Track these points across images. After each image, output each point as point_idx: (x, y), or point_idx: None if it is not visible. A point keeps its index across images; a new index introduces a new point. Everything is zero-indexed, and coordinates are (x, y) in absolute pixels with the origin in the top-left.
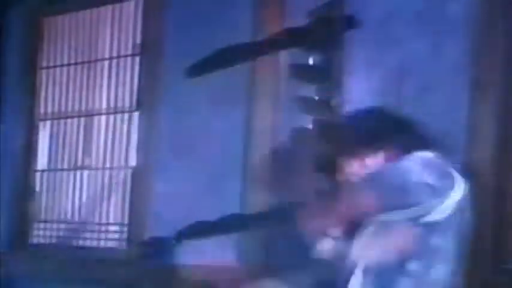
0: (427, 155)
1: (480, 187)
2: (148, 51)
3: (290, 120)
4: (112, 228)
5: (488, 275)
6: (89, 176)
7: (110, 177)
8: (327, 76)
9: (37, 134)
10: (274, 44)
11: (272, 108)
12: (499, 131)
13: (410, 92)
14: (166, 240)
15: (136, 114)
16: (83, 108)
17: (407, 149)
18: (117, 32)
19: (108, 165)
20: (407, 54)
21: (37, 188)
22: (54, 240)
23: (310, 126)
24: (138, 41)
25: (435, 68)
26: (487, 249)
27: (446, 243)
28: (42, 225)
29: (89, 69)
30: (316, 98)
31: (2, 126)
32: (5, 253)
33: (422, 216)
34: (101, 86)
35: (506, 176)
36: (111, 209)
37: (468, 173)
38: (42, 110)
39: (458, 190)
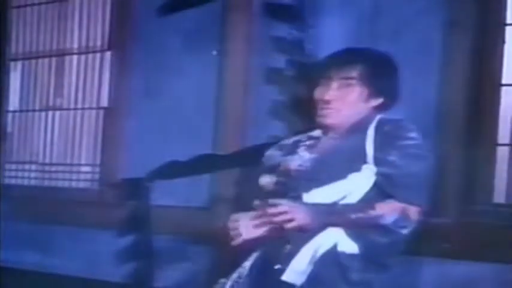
0: None
1: (452, 127)
2: None
3: (263, 60)
4: (84, 169)
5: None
6: (60, 116)
7: (82, 117)
8: (300, 15)
9: (8, 74)
10: None
11: (245, 48)
12: (471, 71)
13: (383, 32)
14: (139, 181)
15: (108, 54)
16: (55, 47)
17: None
18: None
19: (80, 105)
20: None
21: (9, 129)
22: (25, 181)
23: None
24: None
25: (408, 8)
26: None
27: None
28: (13, 166)
29: (60, 8)
30: (289, 37)
31: None
32: None
33: None
34: (72, 25)
35: (478, 116)
36: (83, 149)
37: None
38: (13, 50)
39: None
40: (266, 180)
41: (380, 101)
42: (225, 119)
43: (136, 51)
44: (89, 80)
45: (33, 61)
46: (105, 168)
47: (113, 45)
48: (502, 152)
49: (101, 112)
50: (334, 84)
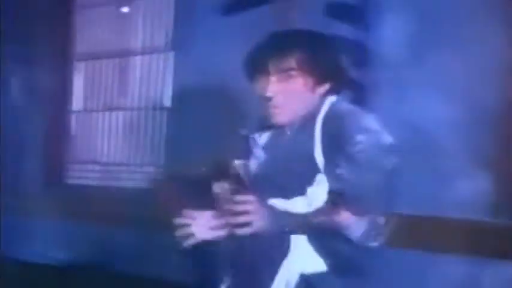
0: None
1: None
2: None
3: None
4: (147, 169)
5: None
6: (124, 116)
7: (145, 117)
8: (362, 15)
9: (72, 74)
10: None
11: None
12: None
13: (446, 34)
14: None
15: (171, 54)
16: (118, 48)
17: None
18: None
19: (143, 105)
20: None
21: (72, 129)
22: (89, 181)
23: None
24: None
25: (469, 11)
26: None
27: None
28: (77, 166)
29: (124, 9)
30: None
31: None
32: (39, 194)
33: None
34: (136, 26)
35: None
36: (147, 149)
37: None
38: (77, 51)
39: None
40: (221, 187)
41: (327, 86)
42: None
43: (199, 50)
44: (152, 80)
45: (97, 61)
46: (168, 168)
47: (176, 45)
48: None
49: (164, 112)
50: (273, 78)
